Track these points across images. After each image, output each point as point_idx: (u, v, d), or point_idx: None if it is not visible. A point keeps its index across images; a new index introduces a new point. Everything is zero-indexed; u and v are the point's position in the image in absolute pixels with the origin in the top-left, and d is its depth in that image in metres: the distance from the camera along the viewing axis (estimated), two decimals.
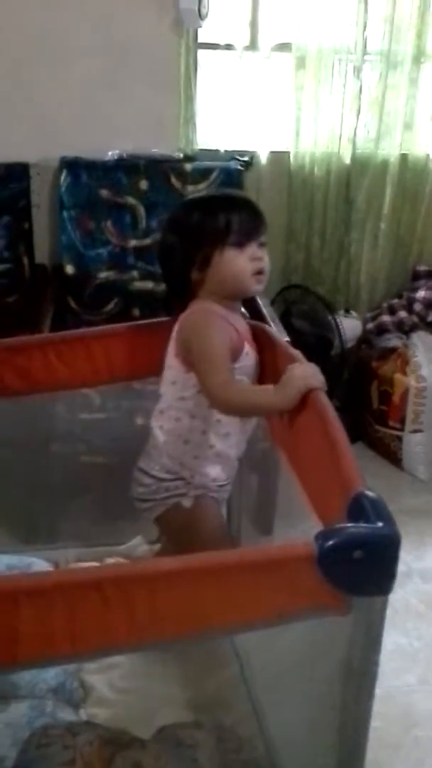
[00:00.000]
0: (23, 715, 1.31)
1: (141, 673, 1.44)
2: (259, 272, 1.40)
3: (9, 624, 0.87)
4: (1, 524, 1.91)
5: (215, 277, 1.39)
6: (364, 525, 0.90)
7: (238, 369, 1.39)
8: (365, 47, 2.53)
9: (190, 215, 1.42)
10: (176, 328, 1.43)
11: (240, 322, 1.46)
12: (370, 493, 0.93)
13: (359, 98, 2.59)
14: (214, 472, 1.46)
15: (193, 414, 1.42)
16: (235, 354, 1.39)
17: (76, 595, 0.89)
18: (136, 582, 0.90)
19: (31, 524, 1.96)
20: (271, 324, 1.89)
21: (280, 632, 0.97)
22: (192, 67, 2.48)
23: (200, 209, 1.42)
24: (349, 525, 0.90)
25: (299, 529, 1.94)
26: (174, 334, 1.43)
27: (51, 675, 1.39)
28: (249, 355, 1.43)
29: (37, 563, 1.67)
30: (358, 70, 2.55)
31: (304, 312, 2.60)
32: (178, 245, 1.41)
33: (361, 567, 0.89)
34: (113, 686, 1.43)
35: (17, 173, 2.41)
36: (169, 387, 1.45)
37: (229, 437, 1.45)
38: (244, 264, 1.38)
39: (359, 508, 0.92)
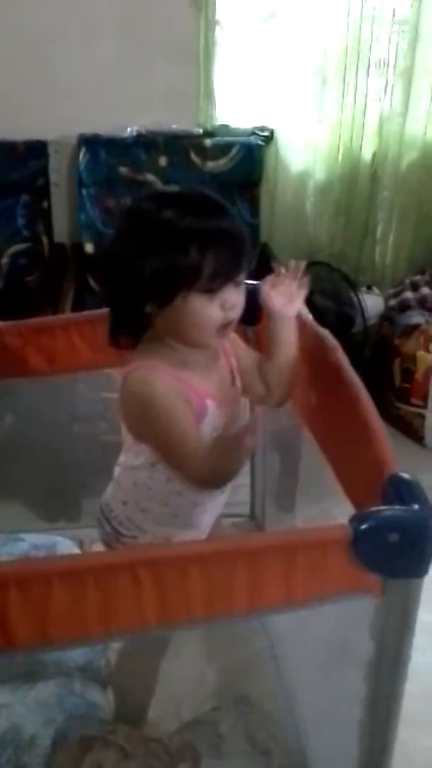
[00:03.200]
0: (52, 693, 1.32)
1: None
2: (227, 325, 1.11)
3: (42, 605, 0.87)
4: (26, 503, 1.92)
5: (173, 319, 1.09)
6: (400, 507, 0.88)
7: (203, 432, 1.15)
8: (393, 17, 2.47)
9: (158, 218, 1.07)
10: (119, 387, 1.16)
11: (203, 373, 1.17)
12: (404, 475, 0.92)
13: (386, 72, 2.53)
14: (181, 538, 1.22)
15: (149, 486, 1.20)
16: (197, 417, 1.14)
17: (109, 577, 0.89)
18: (168, 564, 0.89)
19: (55, 503, 1.97)
20: None
21: (312, 613, 0.96)
22: (211, 41, 2.43)
23: (170, 215, 1.06)
24: (385, 507, 0.89)
25: (321, 505, 1.94)
26: (118, 392, 1.17)
27: (79, 653, 1.40)
28: (215, 415, 1.16)
29: (62, 542, 1.68)
30: (385, 42, 2.49)
31: (326, 290, 2.57)
32: (131, 262, 1.08)
33: (396, 550, 0.88)
34: None
35: (36, 151, 2.39)
36: (124, 446, 1.23)
37: (198, 506, 1.22)
38: (211, 314, 1.08)
39: (394, 489, 0.90)
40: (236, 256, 1.09)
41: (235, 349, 1.25)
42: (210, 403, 1.16)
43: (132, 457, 1.21)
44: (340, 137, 2.57)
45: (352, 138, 2.57)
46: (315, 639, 1.15)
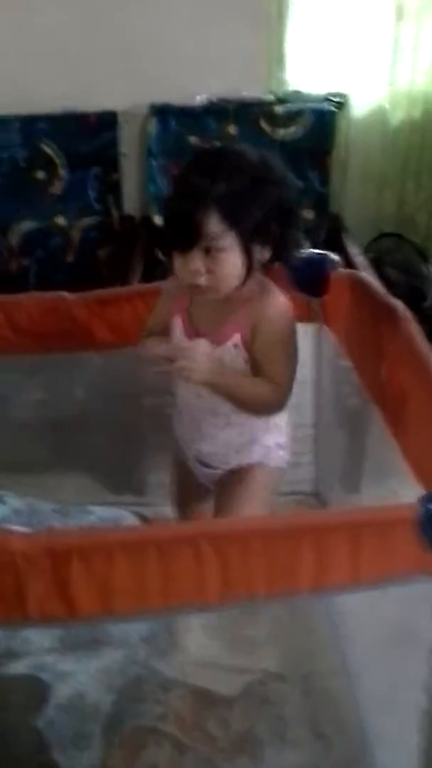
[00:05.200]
0: (116, 661, 1.34)
1: (230, 622, 1.44)
2: None
3: (104, 577, 0.88)
4: (94, 476, 1.94)
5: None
6: None
7: None
8: None
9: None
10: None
11: None
12: None
13: None
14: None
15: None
16: None
17: (171, 550, 0.88)
18: (232, 539, 0.88)
19: (122, 477, 1.99)
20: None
21: (377, 595, 0.93)
22: (283, 2, 2.36)
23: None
24: None
25: (386, 487, 1.89)
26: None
27: (143, 625, 1.41)
28: None
29: (127, 517, 1.69)
30: None
31: (398, 262, 2.49)
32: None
33: None
34: (202, 635, 1.44)
35: (106, 122, 2.38)
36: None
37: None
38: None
39: None
40: None
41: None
42: None
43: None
44: (412, 100, 2.45)
45: (425, 102, 2.46)
46: (379, 622, 1.12)
